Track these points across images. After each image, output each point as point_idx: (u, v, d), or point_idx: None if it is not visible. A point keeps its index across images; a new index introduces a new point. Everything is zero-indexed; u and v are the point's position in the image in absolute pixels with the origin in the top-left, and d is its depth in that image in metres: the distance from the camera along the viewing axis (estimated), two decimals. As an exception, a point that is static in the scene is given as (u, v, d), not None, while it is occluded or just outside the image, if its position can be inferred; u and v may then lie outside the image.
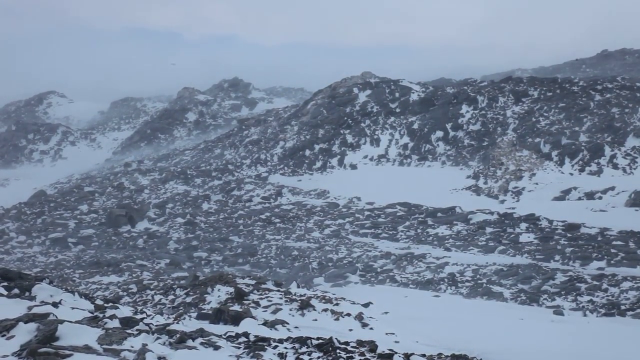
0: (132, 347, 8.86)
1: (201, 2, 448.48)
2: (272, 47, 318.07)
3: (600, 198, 48.17)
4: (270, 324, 16.32)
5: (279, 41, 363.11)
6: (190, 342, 10.15)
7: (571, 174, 53.91)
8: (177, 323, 13.15)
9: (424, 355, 12.61)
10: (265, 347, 11.18)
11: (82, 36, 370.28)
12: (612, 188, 48.88)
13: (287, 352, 11.08)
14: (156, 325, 11.07)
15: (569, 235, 39.49)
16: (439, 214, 46.71)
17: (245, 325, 14.99)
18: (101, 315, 10.72)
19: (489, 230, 42.24)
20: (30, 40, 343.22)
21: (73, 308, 11.03)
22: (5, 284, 12.63)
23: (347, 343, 12.11)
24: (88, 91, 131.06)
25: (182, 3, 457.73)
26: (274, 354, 10.91)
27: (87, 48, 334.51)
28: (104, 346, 8.57)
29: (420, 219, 46.34)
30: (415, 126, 66.84)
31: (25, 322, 8.75)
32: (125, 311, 12.55)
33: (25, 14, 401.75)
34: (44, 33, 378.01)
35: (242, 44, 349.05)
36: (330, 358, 11.05)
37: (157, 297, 25.64)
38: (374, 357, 11.60)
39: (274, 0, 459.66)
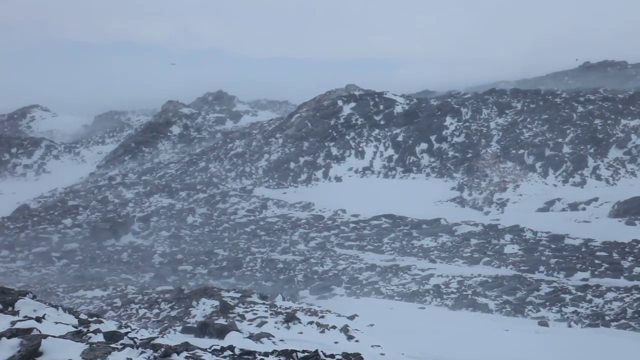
0: (117, 361, 8.81)
1: (188, 16, 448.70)
2: (257, 60, 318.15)
3: (584, 209, 48.46)
4: (256, 337, 16.28)
5: (264, 54, 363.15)
6: (175, 356, 10.09)
7: (555, 185, 54.24)
8: (162, 337, 13.08)
9: (409, 367, 12.62)
10: (251, 360, 11.14)
11: (67, 50, 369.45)
12: (596, 199, 49.20)
13: (272, 366, 11.05)
14: (141, 340, 10.99)
15: (553, 246, 39.68)
16: (424, 226, 46.80)
17: (231, 338, 14.93)
18: (85, 330, 10.63)
19: (473, 241, 42.36)
20: (14, 54, 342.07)
21: (57, 323, 10.94)
22: (-12, 299, 12.52)
23: (332, 356, 12.09)
24: (72, 105, 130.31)
25: (169, 18, 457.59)
26: (260, 368, 10.88)
27: (73, 62, 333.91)
28: (88, 361, 8.51)
29: (405, 230, 46.41)
30: (400, 138, 67.04)
31: (8, 337, 8.67)
32: (109, 325, 12.48)
33: (10, 28, 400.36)
34: (28, 47, 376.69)
35: (227, 57, 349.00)
36: (316, 371, 11.03)
37: (141, 311, 25.53)
38: (359, 369, 11.59)
39: (259, 14, 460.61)
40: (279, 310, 21.38)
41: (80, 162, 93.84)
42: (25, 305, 12.03)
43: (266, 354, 11.78)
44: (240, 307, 21.77)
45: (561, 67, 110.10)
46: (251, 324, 19.86)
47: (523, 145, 60.23)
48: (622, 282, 31.37)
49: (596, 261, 35.32)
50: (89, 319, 12.86)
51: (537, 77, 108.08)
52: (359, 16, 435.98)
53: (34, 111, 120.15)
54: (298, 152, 67.68)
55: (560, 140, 59.79)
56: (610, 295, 28.60)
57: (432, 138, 65.58)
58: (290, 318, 20.17)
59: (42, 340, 8.45)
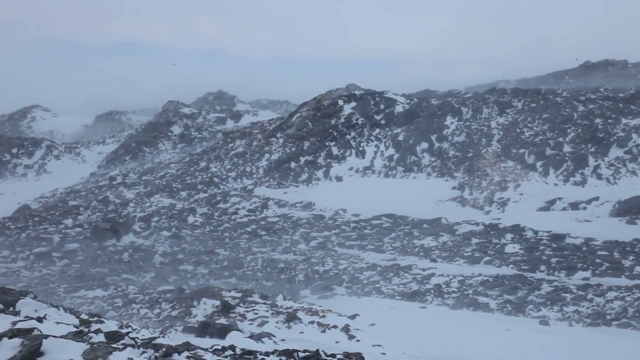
0: (118, 361, 8.81)
1: (189, 16, 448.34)
2: (257, 61, 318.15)
3: (584, 208, 48.41)
4: (257, 337, 16.29)
5: (264, 55, 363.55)
6: (176, 356, 10.09)
7: (556, 185, 54.20)
8: (163, 337, 13.07)
9: (410, 367, 12.61)
10: (252, 360, 11.13)
11: (68, 50, 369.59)
12: (597, 198, 49.15)
13: (273, 365, 11.04)
14: (142, 340, 10.99)
15: (554, 245, 39.67)
16: (425, 225, 46.77)
17: (232, 338, 14.95)
18: (86, 330, 10.63)
19: (474, 241, 42.35)
20: (14, 54, 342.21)
21: (58, 323, 10.94)
22: (-11, 299, 12.52)
23: (333, 355, 12.09)
24: (73, 105, 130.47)
25: (169, 18, 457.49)
26: (261, 367, 10.87)
27: (73, 62, 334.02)
28: (89, 361, 8.51)
29: (406, 230, 46.37)
30: (401, 138, 66.98)
31: (9, 338, 8.67)
32: (110, 325, 12.47)
33: (10, 28, 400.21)
34: (28, 47, 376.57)
35: (228, 57, 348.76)
36: (317, 370, 11.02)
37: (142, 311, 25.56)
38: (360, 369, 11.58)
39: (259, 14, 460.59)
40: (280, 310, 21.39)
41: (81, 162, 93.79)
42: (26, 306, 12.04)
43: (267, 354, 11.77)
44: (241, 306, 21.79)
45: (562, 66, 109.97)
46: (252, 323, 19.88)
47: (524, 144, 60.20)
48: (623, 281, 31.38)
49: (597, 260, 35.33)
50: (90, 319, 12.86)
51: (538, 77, 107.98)
52: (359, 16, 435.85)
53: (35, 111, 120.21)
54: (299, 151, 67.64)
55: (561, 139, 59.76)
56: (611, 295, 28.61)
57: (433, 137, 65.51)
58: (291, 318, 20.19)
59: (43, 340, 8.46)
